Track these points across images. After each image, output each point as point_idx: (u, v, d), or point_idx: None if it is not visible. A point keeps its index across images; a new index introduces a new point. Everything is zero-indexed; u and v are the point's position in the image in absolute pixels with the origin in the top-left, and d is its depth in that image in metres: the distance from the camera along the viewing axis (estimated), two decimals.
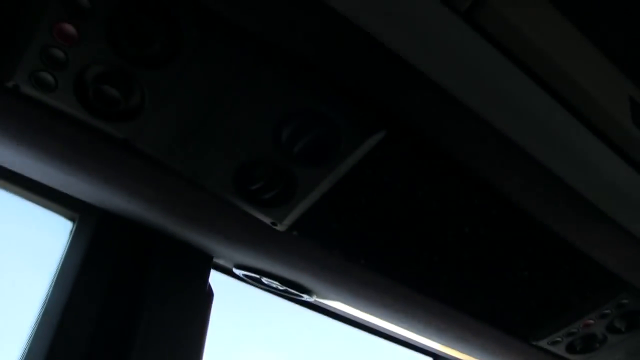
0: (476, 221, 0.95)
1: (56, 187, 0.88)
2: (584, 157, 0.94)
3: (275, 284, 0.98)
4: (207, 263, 0.95)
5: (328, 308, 1.14)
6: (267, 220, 0.83)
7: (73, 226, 0.92)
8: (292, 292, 1.00)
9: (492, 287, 1.10)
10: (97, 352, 0.81)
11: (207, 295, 0.92)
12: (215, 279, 1.00)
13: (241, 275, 0.99)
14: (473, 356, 1.31)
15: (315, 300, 1.07)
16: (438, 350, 1.34)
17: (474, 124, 0.78)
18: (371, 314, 1.11)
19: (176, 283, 0.90)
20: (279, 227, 0.84)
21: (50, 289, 0.85)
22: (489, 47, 0.73)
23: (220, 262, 0.99)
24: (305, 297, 1.02)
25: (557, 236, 1.00)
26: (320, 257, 0.93)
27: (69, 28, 0.61)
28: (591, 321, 1.23)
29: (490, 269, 1.05)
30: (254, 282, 1.01)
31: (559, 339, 1.26)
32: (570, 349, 1.30)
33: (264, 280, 0.98)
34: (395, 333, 1.25)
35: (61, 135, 0.72)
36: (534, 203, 0.95)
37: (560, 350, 1.29)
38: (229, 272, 1.02)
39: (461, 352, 1.29)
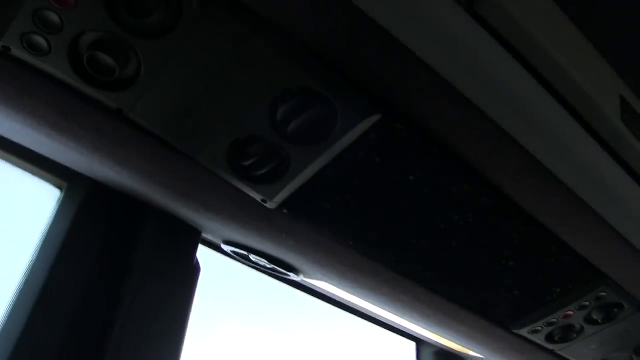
0: (466, 209, 0.96)
1: (44, 153, 0.87)
2: (574, 151, 0.96)
3: (262, 261, 0.98)
4: (195, 238, 0.96)
5: (314, 288, 1.15)
6: (257, 197, 0.83)
7: (60, 194, 0.92)
8: (279, 270, 1.01)
9: (478, 275, 1.11)
10: (79, 322, 0.81)
11: (193, 270, 0.93)
12: (203, 254, 1.00)
13: (229, 252, 1.00)
14: (455, 342, 1.33)
15: (302, 280, 1.08)
16: (421, 335, 1.36)
17: (470, 113, 0.79)
18: (357, 296, 1.13)
19: (163, 256, 0.90)
20: (269, 205, 0.84)
21: (34, 258, 0.84)
22: (488, 38, 0.74)
23: (209, 237, 0.99)
24: (292, 276, 1.03)
25: (544, 228, 1.02)
26: (309, 236, 0.94)
27: None
28: (571, 312, 1.26)
29: (477, 258, 1.07)
30: (241, 259, 1.01)
31: (539, 328, 1.29)
32: (549, 338, 1.33)
33: (252, 257, 0.98)
34: (380, 316, 1.27)
35: (51, 101, 0.72)
36: (524, 194, 0.96)
37: (539, 339, 1.32)
38: (216, 248, 1.02)
39: (444, 337, 1.32)
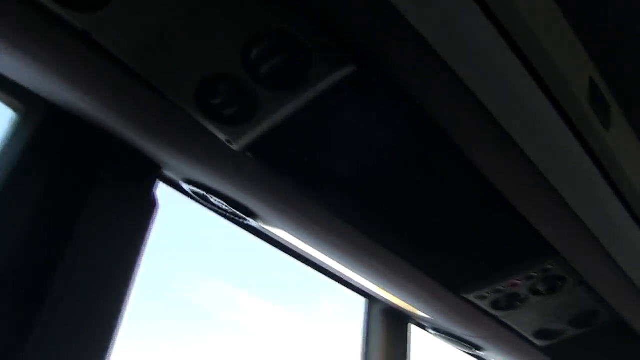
0: (430, 171, 0.99)
1: (1, 71, 0.84)
2: (542, 129, 1.00)
3: (222, 204, 0.99)
4: (155, 173, 0.95)
5: (271, 236, 1.17)
6: (222, 137, 0.84)
7: (17, 117, 0.89)
8: (238, 214, 1.02)
9: (434, 237, 1.15)
10: (26, 252, 0.81)
11: (151, 206, 0.93)
12: (165, 194, 1.00)
13: (189, 191, 1.00)
14: (404, 301, 1.39)
15: (260, 226, 1.10)
16: (373, 292, 1.41)
17: (447, 78, 0.81)
18: (314, 247, 1.16)
19: (120, 189, 0.90)
20: (233, 146, 0.85)
21: None
22: (475, 8, 0.75)
23: (170, 174, 0.99)
24: (251, 222, 1.05)
25: (503, 198, 1.06)
26: (271, 183, 0.95)
27: None
28: (518, 282, 1.33)
29: (434, 220, 1.11)
30: (200, 200, 1.02)
31: (487, 294, 1.36)
32: (495, 304, 1.40)
33: (211, 199, 0.99)
34: (335, 270, 1.31)
35: (11, 16, 0.69)
36: (490, 164, 1.00)
37: (485, 304, 1.39)
38: (177, 187, 1.02)
39: (395, 296, 1.37)
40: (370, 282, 1.31)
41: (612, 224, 1.29)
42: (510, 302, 1.41)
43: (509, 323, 1.51)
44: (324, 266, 1.30)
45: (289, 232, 1.11)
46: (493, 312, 1.44)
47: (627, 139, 1.31)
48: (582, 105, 1.10)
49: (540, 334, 1.59)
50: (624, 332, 1.65)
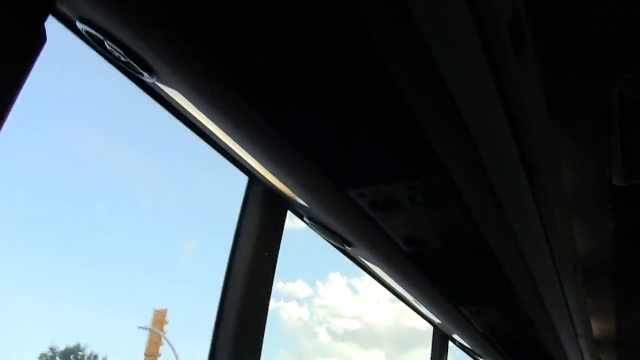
0: (341, 66, 1.08)
1: None
2: (458, 44, 1.13)
3: (118, 52, 1.03)
4: (47, 5, 0.95)
5: (164, 96, 1.22)
6: None
7: None
8: (133, 66, 1.06)
9: (326, 126, 1.28)
10: None
11: (38, 39, 0.94)
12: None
13: (83, 32, 1.01)
14: (286, 185, 1.53)
15: (153, 84, 1.14)
16: (255, 170, 1.52)
17: None
18: (204, 113, 1.23)
19: (4, 14, 0.89)
20: None
21: None
22: None
23: (65, 10, 0.99)
24: (146, 77, 1.09)
25: (407, 106, 1.19)
26: (174, 37, 1.01)
27: None
28: (400, 187, 1.51)
29: (330, 110, 1.22)
30: (95, 44, 1.04)
31: (367, 193, 1.55)
32: (373, 204, 1.60)
33: (107, 44, 1.02)
34: (222, 142, 1.39)
35: None
36: (403, 76, 1.11)
37: (364, 203, 1.59)
38: (71, 26, 1.02)
39: (277, 178, 1.50)
40: (256, 159, 1.42)
41: (500, 153, 1.50)
42: (388, 205, 1.61)
43: (382, 225, 1.73)
44: (211, 136, 1.39)
45: (184, 95, 1.17)
46: (370, 211, 1.64)
47: (532, 75, 1.49)
48: (501, 31, 1.23)
49: (409, 240, 1.84)
50: (485, 255, 1.95)
